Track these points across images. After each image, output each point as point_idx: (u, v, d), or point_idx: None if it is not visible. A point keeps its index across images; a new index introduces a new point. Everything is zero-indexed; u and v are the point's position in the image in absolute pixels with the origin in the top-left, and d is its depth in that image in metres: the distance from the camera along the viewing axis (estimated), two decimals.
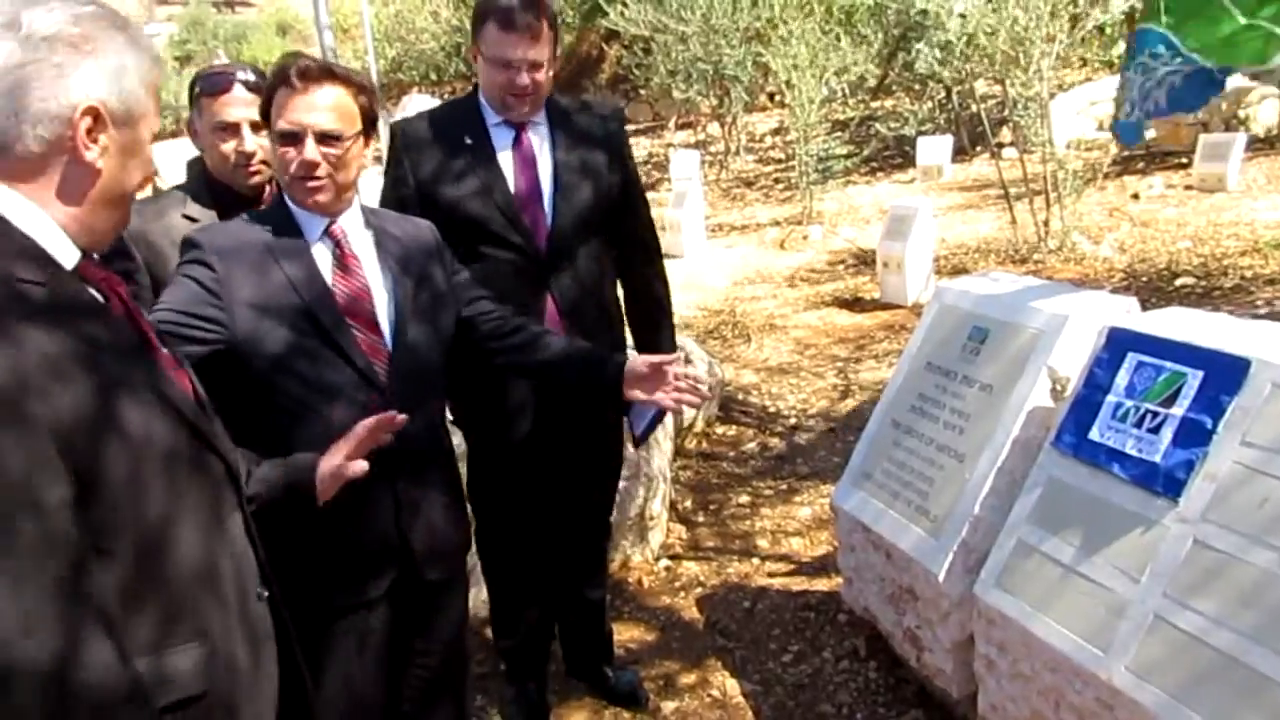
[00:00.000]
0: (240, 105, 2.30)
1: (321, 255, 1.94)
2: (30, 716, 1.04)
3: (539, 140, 2.57)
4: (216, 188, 2.37)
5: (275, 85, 1.90)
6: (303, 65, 1.88)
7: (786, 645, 3.28)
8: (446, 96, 19.15)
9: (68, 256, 1.24)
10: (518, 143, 2.54)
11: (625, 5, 13.23)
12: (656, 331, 2.85)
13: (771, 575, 3.75)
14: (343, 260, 1.95)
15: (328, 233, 1.95)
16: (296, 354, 1.87)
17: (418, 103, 16.54)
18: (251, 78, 2.33)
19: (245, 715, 1.36)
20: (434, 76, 20.03)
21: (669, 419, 4.40)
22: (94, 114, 1.22)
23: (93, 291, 1.27)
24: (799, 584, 3.66)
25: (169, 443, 1.26)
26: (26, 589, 1.05)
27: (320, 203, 1.92)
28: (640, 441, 2.92)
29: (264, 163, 2.34)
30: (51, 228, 1.23)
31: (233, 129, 2.30)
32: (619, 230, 2.72)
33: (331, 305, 1.90)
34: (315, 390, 1.88)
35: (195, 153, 2.48)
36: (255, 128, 2.29)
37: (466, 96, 2.63)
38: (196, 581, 1.29)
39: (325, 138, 1.87)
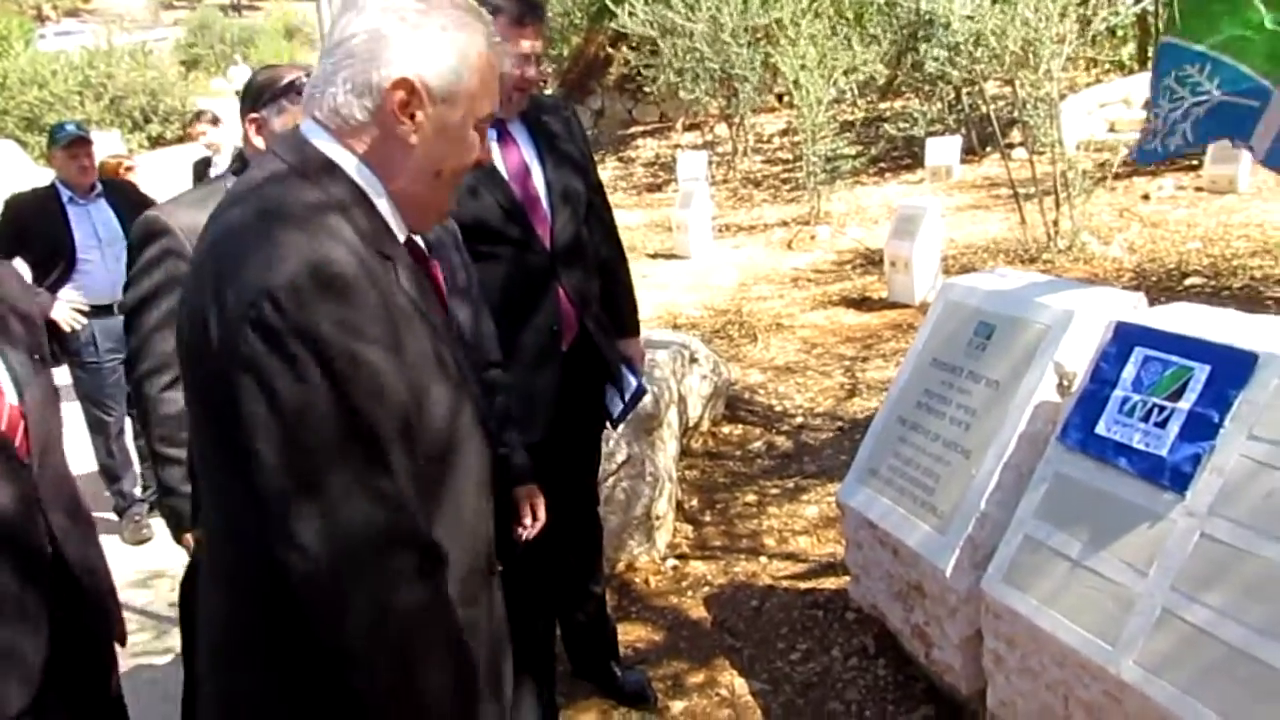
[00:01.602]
0: None
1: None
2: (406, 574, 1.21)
3: (521, 137, 2.60)
4: None
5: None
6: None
7: (795, 643, 3.28)
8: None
9: (399, 227, 1.34)
10: (504, 140, 2.55)
11: (633, 6, 13.24)
12: (622, 315, 2.96)
13: (779, 574, 3.74)
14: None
15: None
16: None
17: None
18: None
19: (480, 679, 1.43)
20: None
21: (660, 407, 4.39)
22: (408, 88, 1.26)
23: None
24: (807, 582, 3.66)
25: (468, 414, 1.37)
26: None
27: None
28: (618, 422, 2.94)
29: None
30: (385, 201, 1.31)
31: None
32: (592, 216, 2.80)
33: None
34: None
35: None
36: None
37: None
38: (463, 545, 1.38)
39: None
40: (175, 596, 4.19)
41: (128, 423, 4.93)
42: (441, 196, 1.37)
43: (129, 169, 6.30)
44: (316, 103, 1.30)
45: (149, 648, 3.73)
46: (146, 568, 4.49)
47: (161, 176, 9.81)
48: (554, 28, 18.09)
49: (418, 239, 1.46)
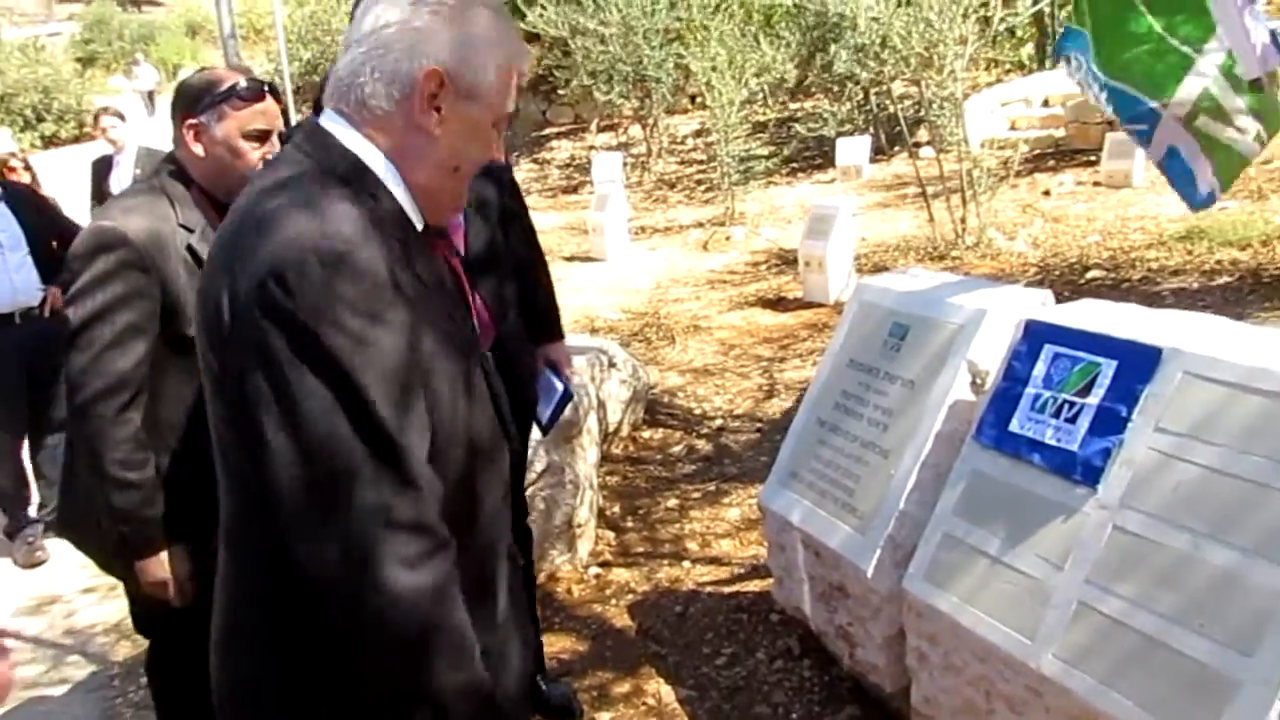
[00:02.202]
0: (273, 115, 2.27)
1: None
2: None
3: None
4: (199, 195, 2.28)
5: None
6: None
7: (720, 648, 3.27)
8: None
9: (416, 218, 1.34)
10: None
11: (544, 7, 13.17)
12: (545, 319, 2.95)
13: (702, 578, 3.73)
14: None
15: None
16: None
17: None
18: (275, 88, 2.33)
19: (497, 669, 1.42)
20: None
21: (579, 413, 4.36)
22: (438, 78, 1.27)
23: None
24: (730, 586, 3.65)
25: (486, 403, 1.40)
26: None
27: None
28: (547, 429, 2.91)
29: None
30: (403, 190, 1.32)
31: (264, 136, 2.25)
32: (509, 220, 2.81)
33: None
34: None
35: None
36: (282, 138, 2.28)
37: None
38: (485, 534, 1.41)
39: None
40: (72, 623, 4.04)
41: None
42: (458, 190, 1.39)
43: (14, 170, 6.01)
44: (341, 94, 1.31)
45: (42, 679, 3.55)
46: (40, 593, 4.29)
47: (58, 177, 9.46)
48: None
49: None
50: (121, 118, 6.78)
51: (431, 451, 1.26)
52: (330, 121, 1.31)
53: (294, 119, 15.16)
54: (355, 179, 1.27)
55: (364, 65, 1.28)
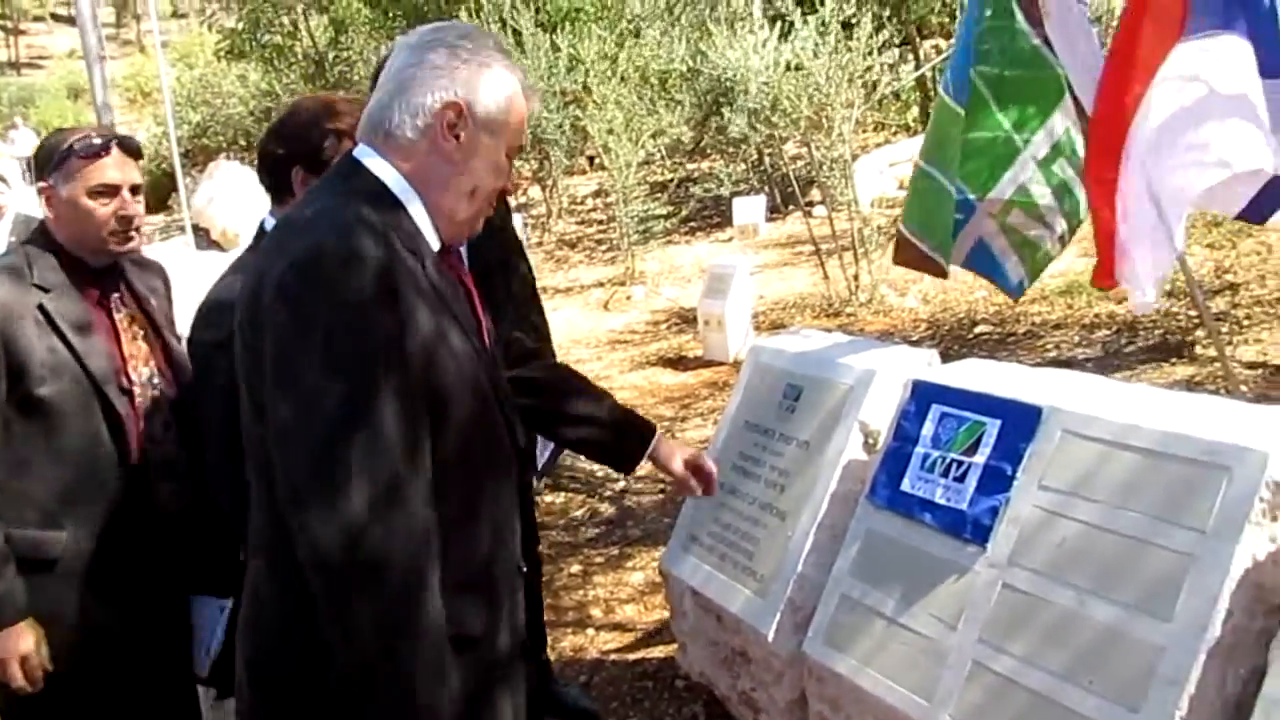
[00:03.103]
0: (123, 167, 2.20)
1: None
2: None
3: None
4: (66, 259, 2.21)
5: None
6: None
7: (626, 717, 3.21)
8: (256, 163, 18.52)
9: (433, 238, 1.50)
10: None
11: None
12: None
13: (606, 645, 3.68)
14: None
15: None
16: None
17: (227, 169, 15.94)
18: (128, 142, 2.25)
19: (504, 678, 1.56)
20: (242, 142, 19.42)
21: None
22: (457, 110, 1.46)
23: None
24: (635, 652, 3.60)
25: (495, 413, 1.53)
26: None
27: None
28: (542, 473, 2.88)
29: (138, 229, 2.24)
30: (424, 214, 1.48)
31: (112, 191, 2.18)
32: None
33: None
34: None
35: None
36: (135, 190, 2.22)
37: None
38: (492, 539, 1.52)
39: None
40: None
41: None
42: (475, 213, 1.55)
43: None
44: (371, 128, 1.50)
45: None
46: None
47: None
48: (364, 89, 17.82)
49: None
50: (5, 181, 6.53)
51: (446, 454, 1.40)
52: (360, 152, 1.50)
53: (181, 183, 14.82)
54: (377, 199, 1.44)
55: (391, 100, 1.47)
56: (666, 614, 3.61)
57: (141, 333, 2.27)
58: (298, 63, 17.52)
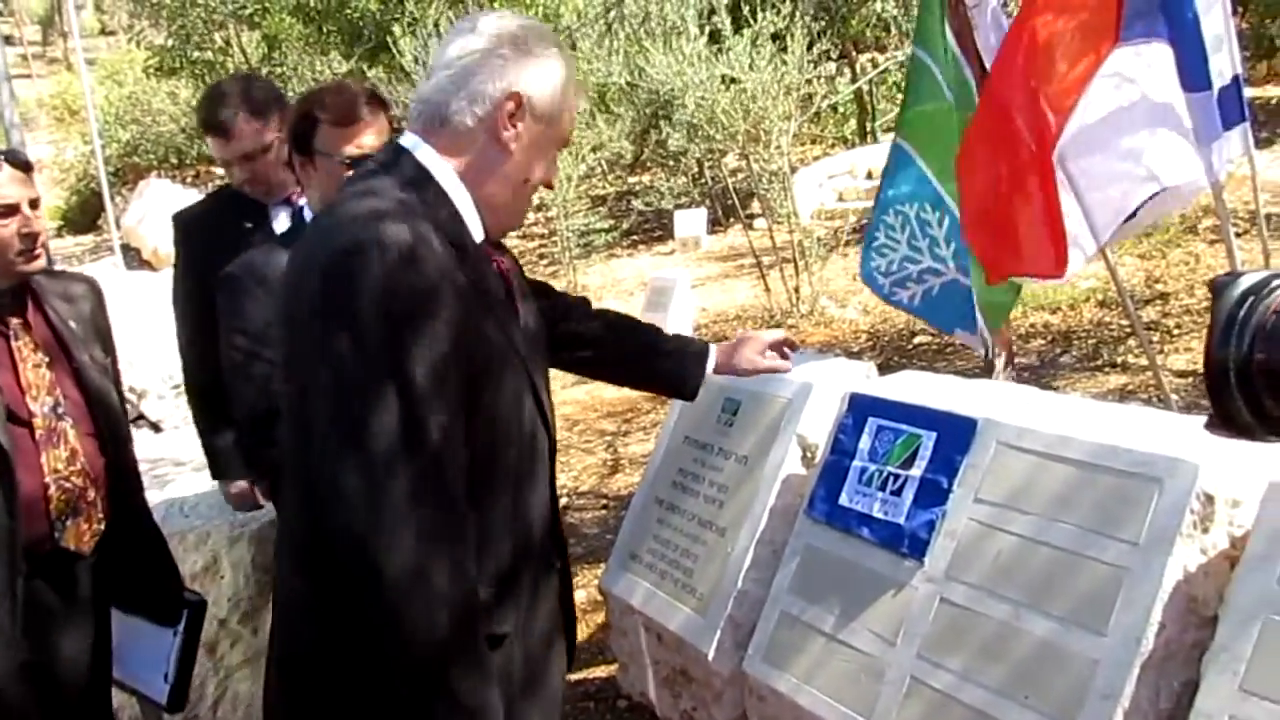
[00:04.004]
0: (16, 184, 2.07)
1: None
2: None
3: None
4: None
5: None
6: None
7: None
8: (189, 182, 18.18)
9: (476, 229, 1.49)
10: None
11: (376, 85, 13.06)
12: None
13: None
14: None
15: None
16: None
17: (157, 188, 15.60)
18: (15, 157, 2.12)
19: (528, 673, 1.56)
20: (174, 160, 19.04)
21: None
22: (518, 100, 1.45)
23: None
24: (577, 673, 3.53)
25: (530, 404, 1.53)
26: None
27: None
28: None
29: (44, 244, 2.13)
30: (469, 204, 1.48)
31: (12, 210, 2.05)
32: None
33: None
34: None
35: None
36: (34, 205, 2.10)
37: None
38: (525, 530, 1.53)
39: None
40: None
41: None
42: (522, 205, 1.56)
43: None
44: (422, 114, 1.48)
45: None
46: None
47: None
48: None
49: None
50: None
51: (481, 446, 1.41)
52: (407, 140, 1.49)
53: (109, 203, 14.42)
54: (421, 188, 1.44)
55: (451, 87, 1.46)
56: (607, 633, 3.56)
57: (46, 359, 2.14)
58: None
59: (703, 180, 12.73)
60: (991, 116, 2.85)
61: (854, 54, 14.86)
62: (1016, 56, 2.76)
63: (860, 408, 2.46)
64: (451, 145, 1.47)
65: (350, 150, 2.08)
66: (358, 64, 14.09)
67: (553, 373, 1.87)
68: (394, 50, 12.47)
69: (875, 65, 14.41)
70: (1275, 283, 0.66)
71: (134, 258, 14.24)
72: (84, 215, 19.72)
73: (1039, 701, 1.81)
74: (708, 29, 8.36)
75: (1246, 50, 10.95)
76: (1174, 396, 4.67)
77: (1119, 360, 5.67)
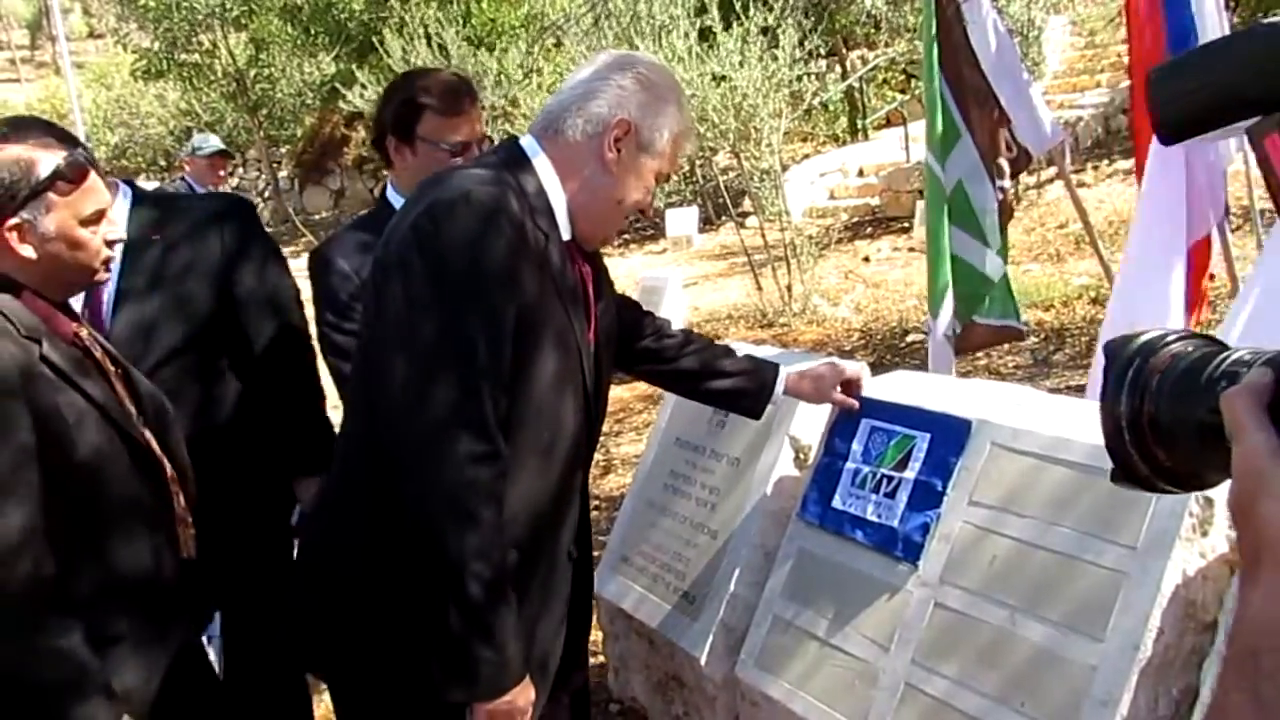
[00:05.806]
0: (104, 190, 1.81)
1: None
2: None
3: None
4: (39, 298, 1.75)
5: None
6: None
7: None
8: (177, 182, 18.07)
9: (565, 228, 1.64)
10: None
11: (365, 86, 13.01)
12: None
13: None
14: None
15: None
16: None
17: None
18: (95, 159, 1.86)
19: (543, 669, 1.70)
20: (162, 163, 18.96)
21: None
22: (625, 128, 1.61)
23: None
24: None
25: (574, 398, 1.65)
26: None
27: None
28: None
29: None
30: (563, 205, 1.63)
31: (100, 216, 1.78)
32: None
33: None
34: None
35: None
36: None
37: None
38: (548, 503, 1.65)
39: None
40: None
41: None
42: (613, 222, 1.72)
43: None
44: (546, 123, 1.65)
45: None
46: None
47: None
48: (286, 107, 17.54)
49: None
50: None
51: (521, 419, 1.55)
52: (525, 141, 1.65)
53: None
54: (525, 178, 1.59)
55: (572, 103, 1.62)
56: (598, 637, 3.53)
57: (114, 369, 1.84)
58: (217, 81, 17.17)
59: (694, 179, 12.70)
60: None
61: (844, 51, 14.85)
62: None
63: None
64: (560, 153, 1.62)
65: (455, 139, 2.18)
66: (345, 65, 14.03)
67: None
68: (381, 51, 12.42)
69: (865, 62, 14.38)
70: (1165, 340, 0.69)
71: None
72: None
73: (1035, 708, 1.77)
74: (698, 25, 8.31)
75: None
76: None
77: None
